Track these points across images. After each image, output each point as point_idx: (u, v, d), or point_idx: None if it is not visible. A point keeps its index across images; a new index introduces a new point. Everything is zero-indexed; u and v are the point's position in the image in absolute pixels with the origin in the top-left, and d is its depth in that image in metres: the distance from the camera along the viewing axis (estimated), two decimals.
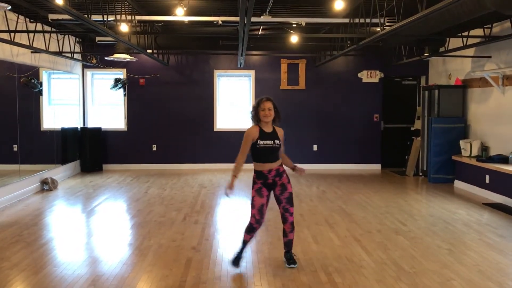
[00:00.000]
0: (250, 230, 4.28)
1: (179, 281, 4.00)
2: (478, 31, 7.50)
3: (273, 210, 6.56)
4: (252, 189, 4.27)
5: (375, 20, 6.22)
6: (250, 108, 4.33)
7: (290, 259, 4.36)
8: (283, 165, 4.34)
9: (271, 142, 4.16)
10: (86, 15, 5.41)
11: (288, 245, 4.39)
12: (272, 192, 4.30)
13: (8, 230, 5.58)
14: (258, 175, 4.23)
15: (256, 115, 4.19)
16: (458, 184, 8.52)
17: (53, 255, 4.73)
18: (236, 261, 4.34)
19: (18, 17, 7.02)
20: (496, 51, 7.80)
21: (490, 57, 7.98)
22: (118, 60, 9.22)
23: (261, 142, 4.14)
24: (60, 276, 4.11)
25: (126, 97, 10.63)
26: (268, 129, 4.20)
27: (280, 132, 4.30)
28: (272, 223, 5.84)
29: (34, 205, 7.02)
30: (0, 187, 6.91)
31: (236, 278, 4.10)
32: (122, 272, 4.21)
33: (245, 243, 4.36)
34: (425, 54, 8.74)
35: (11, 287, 3.90)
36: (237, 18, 6.15)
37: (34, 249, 4.86)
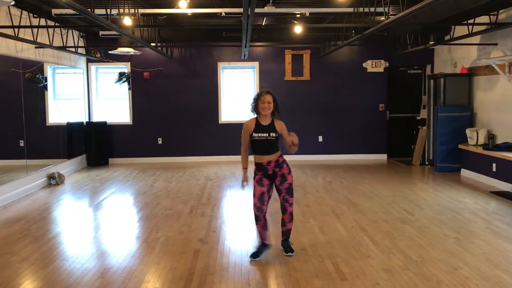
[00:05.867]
0: (256, 220, 4.38)
1: (187, 273, 4.02)
2: (484, 18, 7.43)
3: (278, 201, 6.58)
4: (254, 179, 4.36)
5: (379, 9, 6.16)
6: (251, 100, 4.38)
7: (287, 247, 4.44)
8: (283, 155, 4.38)
9: (265, 134, 4.23)
10: (89, 9, 5.39)
11: (286, 234, 4.49)
12: (273, 183, 4.38)
13: (16, 225, 5.62)
14: (258, 167, 4.32)
15: (256, 107, 4.28)
16: (465, 172, 8.48)
17: (61, 249, 4.77)
18: (255, 253, 4.38)
19: (21, 13, 7.03)
20: (502, 38, 7.72)
21: (496, 44, 7.91)
22: (122, 54, 9.21)
23: (255, 134, 4.23)
24: (69, 270, 4.15)
25: (130, 91, 10.64)
26: (265, 122, 4.27)
27: (279, 125, 4.30)
28: (279, 215, 5.79)
29: (41, 199, 7.07)
30: (7, 182, 6.96)
31: (244, 269, 4.11)
32: (130, 265, 4.24)
33: (260, 234, 4.43)
34: (430, 43, 8.68)
35: (20, 280, 3.94)
36: (240, 9, 6.13)
37: (42, 243, 4.90)
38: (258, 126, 4.25)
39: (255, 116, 4.33)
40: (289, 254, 4.39)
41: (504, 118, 7.78)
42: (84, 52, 9.78)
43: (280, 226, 4.50)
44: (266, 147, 4.25)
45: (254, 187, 4.33)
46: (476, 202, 6.48)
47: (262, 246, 4.41)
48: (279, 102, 4.31)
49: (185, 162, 10.63)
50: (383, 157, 10.85)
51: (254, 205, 4.33)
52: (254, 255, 4.36)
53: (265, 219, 4.39)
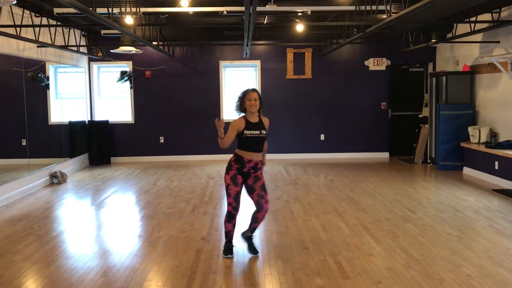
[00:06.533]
0: (230, 218, 4.37)
1: (189, 271, 4.03)
2: (486, 16, 7.41)
3: (280, 200, 6.60)
4: (227, 174, 4.33)
5: (381, 7, 6.16)
6: (236, 99, 4.39)
7: (254, 248, 4.45)
8: (261, 160, 4.42)
9: (257, 132, 4.27)
10: (91, 8, 5.40)
11: (254, 230, 4.48)
12: (244, 182, 4.38)
13: (19, 224, 5.63)
14: (237, 159, 4.31)
15: (242, 105, 4.31)
16: (467, 171, 8.47)
17: (64, 248, 4.78)
18: (227, 251, 4.39)
19: (23, 12, 7.02)
20: (504, 36, 7.70)
21: (498, 42, 7.88)
22: (124, 52, 9.23)
23: (247, 132, 4.24)
24: (72, 268, 4.16)
25: (132, 90, 10.65)
26: (254, 119, 4.31)
27: (266, 122, 4.40)
28: (280, 212, 5.87)
29: (44, 198, 7.08)
30: (10, 181, 6.97)
31: (245, 268, 4.12)
32: (132, 263, 4.25)
33: (228, 234, 4.41)
34: (432, 41, 8.65)
35: (23, 279, 3.95)
36: (242, 8, 6.12)
37: (45, 242, 4.91)
38: (248, 124, 4.26)
39: (242, 115, 4.33)
40: (257, 254, 4.40)
41: (507, 116, 7.77)
42: (86, 51, 9.79)
43: (253, 222, 4.42)
44: (255, 144, 4.30)
45: (228, 185, 4.31)
46: (479, 200, 6.47)
47: (231, 244, 4.43)
48: (264, 100, 4.38)
49: (187, 160, 10.63)
50: (385, 155, 10.83)
51: (230, 204, 4.33)
52: (231, 252, 4.38)
53: (236, 219, 4.42)
